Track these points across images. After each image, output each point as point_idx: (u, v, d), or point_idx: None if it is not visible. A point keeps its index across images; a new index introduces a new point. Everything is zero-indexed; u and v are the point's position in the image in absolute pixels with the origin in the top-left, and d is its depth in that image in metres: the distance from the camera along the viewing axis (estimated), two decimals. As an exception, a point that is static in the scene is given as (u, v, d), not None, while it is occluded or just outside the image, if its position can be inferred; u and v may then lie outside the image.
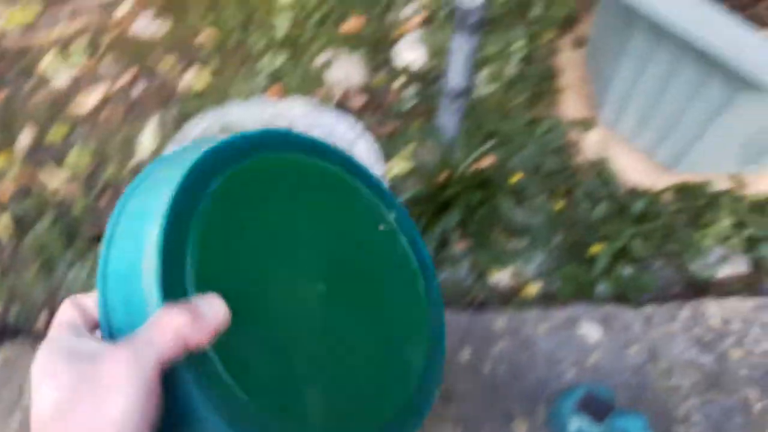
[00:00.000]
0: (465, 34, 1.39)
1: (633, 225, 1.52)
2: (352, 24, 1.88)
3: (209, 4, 1.94)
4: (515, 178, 1.55)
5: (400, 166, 1.61)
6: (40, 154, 1.67)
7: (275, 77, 1.78)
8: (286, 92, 1.75)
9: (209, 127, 1.68)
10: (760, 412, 1.27)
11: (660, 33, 1.38)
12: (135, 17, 1.93)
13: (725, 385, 1.30)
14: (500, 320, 1.36)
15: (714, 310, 1.39)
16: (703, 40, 1.29)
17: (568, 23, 1.90)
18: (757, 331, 1.37)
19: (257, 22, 1.89)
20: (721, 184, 1.61)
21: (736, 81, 1.31)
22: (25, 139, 1.70)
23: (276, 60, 1.79)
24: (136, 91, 1.80)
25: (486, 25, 1.73)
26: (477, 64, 1.76)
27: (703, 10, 1.31)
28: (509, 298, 1.46)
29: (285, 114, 1.71)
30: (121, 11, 1.95)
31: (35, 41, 1.89)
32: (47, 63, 1.84)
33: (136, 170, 1.64)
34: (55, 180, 1.62)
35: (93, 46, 1.88)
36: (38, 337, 1.41)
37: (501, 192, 1.53)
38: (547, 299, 1.45)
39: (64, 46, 1.88)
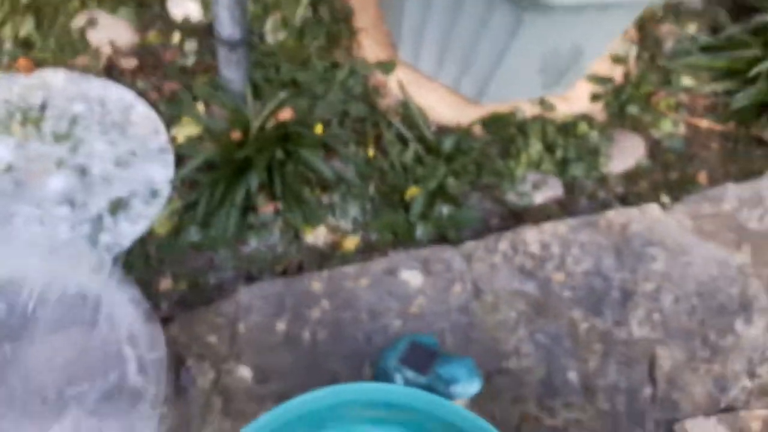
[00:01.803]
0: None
1: (445, 163, 1.44)
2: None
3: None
4: (320, 128, 1.41)
5: (188, 129, 1.42)
6: None
7: (25, 47, 1.50)
8: (40, 63, 1.47)
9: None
10: (586, 331, 1.25)
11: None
12: None
13: (551, 310, 1.27)
14: (318, 281, 1.23)
15: (533, 236, 1.35)
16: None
17: (359, -37, 1.78)
18: (576, 251, 1.35)
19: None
20: (528, 110, 1.58)
21: (521, 2, 1.26)
22: None
23: (23, 26, 1.51)
24: None
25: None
26: (261, 11, 1.59)
27: None
28: (328, 257, 1.33)
29: (40, 87, 1.44)
30: None
31: None
32: None
33: None
34: None
35: None
36: None
37: (306, 145, 1.39)
38: (367, 251, 1.34)
39: None
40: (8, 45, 1.49)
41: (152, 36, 1.55)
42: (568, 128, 1.56)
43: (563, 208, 1.46)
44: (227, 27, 1.27)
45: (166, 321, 1.17)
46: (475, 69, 1.48)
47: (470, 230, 1.40)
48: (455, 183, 1.42)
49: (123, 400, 0.87)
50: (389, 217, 1.38)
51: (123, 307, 0.94)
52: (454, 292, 1.25)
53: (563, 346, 1.23)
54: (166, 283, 1.26)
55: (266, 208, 1.35)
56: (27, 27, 1.51)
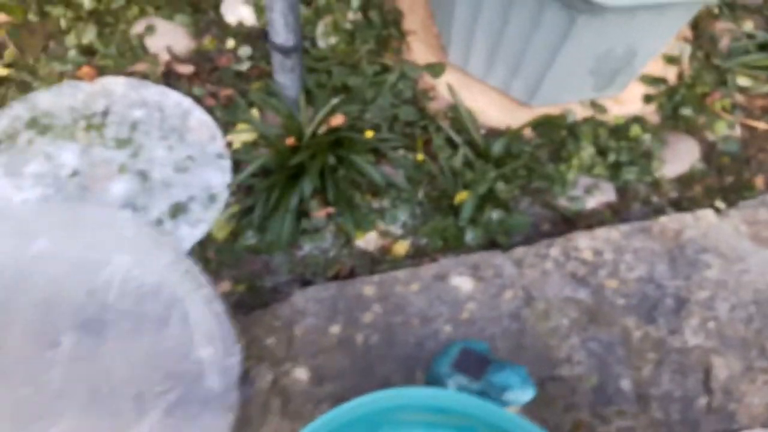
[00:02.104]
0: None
1: (495, 167, 1.44)
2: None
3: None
4: (370, 133, 1.43)
5: (243, 135, 1.45)
6: None
7: (88, 53, 1.55)
8: (102, 69, 1.53)
9: (16, 119, 1.44)
10: (639, 339, 1.24)
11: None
12: None
13: (604, 317, 1.26)
14: (370, 286, 1.25)
15: (585, 242, 1.34)
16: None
17: (409, -35, 1.79)
18: (629, 258, 1.34)
19: (61, -6, 1.64)
20: (580, 112, 1.57)
21: (574, 4, 1.25)
22: None
23: (86, 34, 1.56)
24: None
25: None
26: (313, 15, 1.61)
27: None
28: (378, 261, 1.35)
29: (102, 94, 1.50)
30: None
31: None
32: None
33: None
34: None
35: None
36: None
37: (357, 151, 1.41)
38: (417, 256, 1.36)
39: None
40: (72, 53, 1.55)
41: (208, 42, 1.59)
42: (620, 131, 1.54)
43: (616, 214, 1.45)
44: (281, 33, 1.29)
45: (224, 323, 1.21)
46: (526, 71, 1.47)
47: (520, 235, 1.40)
48: (505, 187, 1.42)
49: (199, 403, 0.91)
50: (439, 222, 1.39)
51: (199, 306, 0.97)
52: (505, 299, 1.26)
53: (616, 354, 1.22)
54: (224, 286, 1.30)
55: (319, 213, 1.38)
56: (89, 35, 1.56)
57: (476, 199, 1.39)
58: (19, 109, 1.46)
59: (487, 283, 1.27)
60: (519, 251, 1.32)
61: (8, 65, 1.53)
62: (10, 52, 1.55)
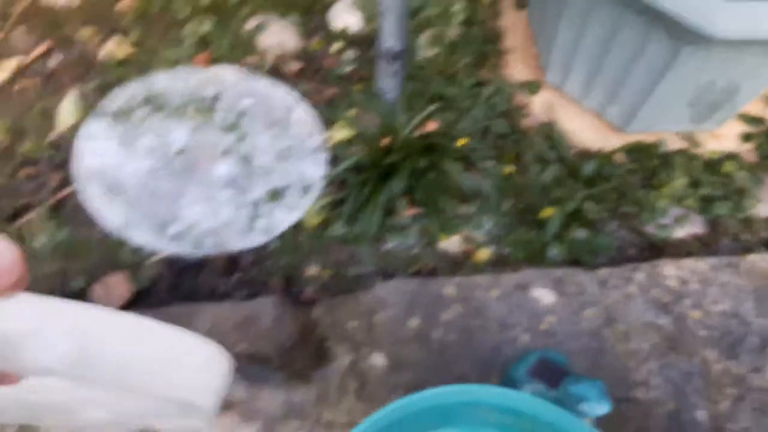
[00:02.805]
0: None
1: (585, 187, 1.45)
2: (286, -11, 1.78)
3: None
4: (462, 142, 1.47)
5: (341, 132, 1.51)
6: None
7: (203, 44, 1.66)
8: (214, 60, 1.63)
9: (133, 97, 1.55)
10: (719, 373, 1.22)
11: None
12: (51, -15, 1.78)
13: (684, 347, 1.25)
14: (450, 286, 1.28)
15: (671, 271, 1.33)
16: (648, -14, 1.23)
17: (511, -14, 1.84)
18: (715, 291, 1.32)
19: (184, -12, 1.76)
20: (674, 143, 1.56)
21: (680, 34, 1.26)
22: None
23: (203, 26, 1.67)
24: (53, 62, 1.65)
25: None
26: (417, 27, 1.67)
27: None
28: (460, 264, 1.37)
29: (214, 81, 1.59)
30: (35, -20, 1.80)
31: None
32: (-49, 33, 1.67)
33: (56, 144, 1.50)
34: (-41, 156, 1.47)
35: (3, 17, 1.72)
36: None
37: (448, 157, 1.45)
38: (498, 264, 1.38)
39: (-29, 15, 1.71)
40: (189, 41, 1.66)
41: (315, 43, 1.67)
42: (714, 165, 1.53)
43: (704, 246, 1.43)
44: (389, 39, 1.35)
45: (310, 303, 1.26)
46: (624, 97, 1.48)
47: (604, 257, 1.40)
48: (593, 208, 1.43)
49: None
50: (523, 234, 1.40)
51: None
52: (585, 316, 1.26)
53: (694, 384, 1.20)
54: (311, 270, 1.35)
55: (406, 213, 1.42)
56: (206, 27, 1.67)
57: (563, 216, 1.40)
58: (137, 88, 1.57)
59: (569, 298, 1.28)
60: (603, 272, 1.32)
61: (131, 47, 1.65)
62: (133, 36, 1.67)
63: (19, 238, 1.39)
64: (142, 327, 0.44)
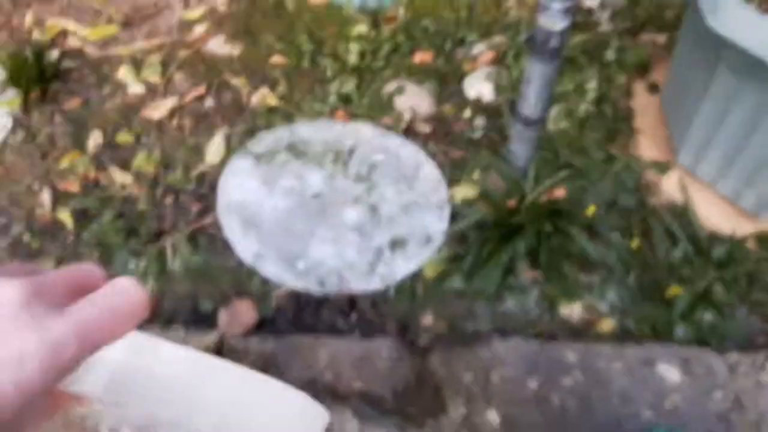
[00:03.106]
0: (544, 59, 1.36)
1: (715, 270, 1.41)
2: (421, 57, 1.89)
3: (281, 33, 1.98)
4: (591, 211, 1.48)
5: (465, 191, 1.56)
6: (109, 155, 1.68)
7: (344, 100, 1.78)
8: (353, 116, 1.74)
9: (278, 142, 1.67)
10: None
11: (750, 67, 1.32)
12: (208, 40, 1.98)
13: (824, 447, 1.16)
14: (572, 353, 1.26)
15: (808, 365, 1.26)
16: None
17: (641, 69, 1.87)
18: None
19: (329, 50, 1.91)
20: (810, 236, 1.50)
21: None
22: (96, 139, 1.72)
23: (346, 85, 1.80)
24: (207, 105, 1.81)
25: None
26: (550, 99, 1.72)
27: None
28: (581, 332, 1.35)
29: (352, 135, 1.70)
30: (194, 34, 2.01)
31: (113, 54, 1.95)
32: (123, 74, 1.88)
33: (201, 177, 1.63)
34: (121, 180, 1.62)
35: (167, 62, 1.92)
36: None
37: (574, 224, 1.46)
38: (622, 337, 1.35)
39: (140, 59, 1.92)
40: (332, 98, 1.78)
41: (447, 109, 1.76)
42: None
43: None
44: (530, 106, 1.41)
45: (426, 351, 1.28)
46: (761, 184, 1.45)
47: (732, 341, 1.34)
48: (723, 291, 1.38)
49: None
50: (648, 310, 1.37)
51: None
52: (714, 399, 1.20)
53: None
54: (427, 320, 1.37)
55: (526, 274, 1.42)
56: (349, 86, 1.80)
57: (691, 297, 1.36)
58: (281, 134, 1.69)
59: (696, 378, 1.22)
60: (734, 356, 1.26)
61: (279, 98, 1.79)
62: (281, 88, 1.82)
63: (159, 259, 1.49)
64: (238, 374, 0.41)
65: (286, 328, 1.39)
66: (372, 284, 1.43)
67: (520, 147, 1.51)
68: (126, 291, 0.29)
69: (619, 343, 1.31)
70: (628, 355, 1.26)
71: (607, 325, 1.36)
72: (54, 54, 1.93)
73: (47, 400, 0.33)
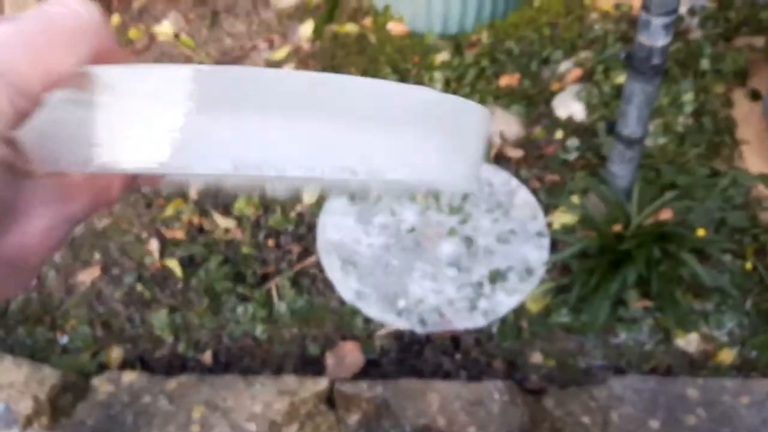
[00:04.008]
0: (645, 77, 1.31)
1: (844, 290, 1.32)
2: (507, 80, 1.86)
3: (365, 67, 2.00)
4: (702, 232, 1.41)
5: (564, 217, 1.52)
6: (211, 201, 1.75)
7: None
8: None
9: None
10: None
11: None
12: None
13: None
14: (693, 388, 1.20)
15: None
16: None
17: (739, 76, 1.77)
18: None
19: (413, 80, 1.91)
20: None
21: None
22: (196, 186, 1.79)
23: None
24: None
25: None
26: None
27: None
28: (699, 365, 1.29)
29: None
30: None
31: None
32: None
33: (299, 218, 1.67)
34: (224, 224, 1.67)
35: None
36: (204, 370, 1.42)
37: (684, 248, 1.39)
38: (744, 368, 1.28)
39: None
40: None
41: (537, 131, 1.72)
42: None
43: None
44: (631, 125, 1.36)
45: (537, 392, 1.25)
46: None
47: None
48: None
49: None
50: (772, 338, 1.30)
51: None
52: None
53: None
54: (535, 357, 1.34)
55: (637, 304, 1.37)
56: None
57: (820, 321, 1.28)
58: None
59: (835, 413, 1.15)
60: None
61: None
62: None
63: (266, 303, 1.54)
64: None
65: (392, 370, 1.39)
66: (474, 322, 1.41)
67: (620, 168, 1.46)
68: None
69: (742, 376, 1.25)
70: (755, 388, 1.20)
71: (727, 355, 1.29)
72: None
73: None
